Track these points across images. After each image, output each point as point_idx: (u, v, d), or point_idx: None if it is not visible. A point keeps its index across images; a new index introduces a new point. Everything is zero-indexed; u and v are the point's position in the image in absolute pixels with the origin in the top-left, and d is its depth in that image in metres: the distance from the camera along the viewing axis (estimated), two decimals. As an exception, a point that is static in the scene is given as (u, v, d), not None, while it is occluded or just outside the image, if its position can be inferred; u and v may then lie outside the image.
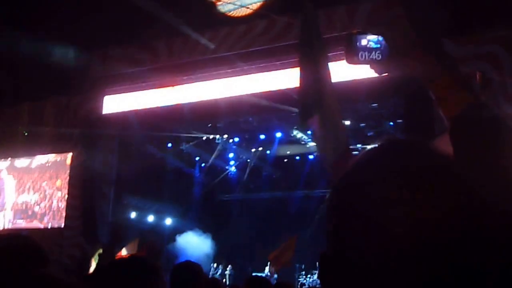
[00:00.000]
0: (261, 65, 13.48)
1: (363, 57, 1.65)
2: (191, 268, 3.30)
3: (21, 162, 16.89)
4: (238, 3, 13.55)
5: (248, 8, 13.49)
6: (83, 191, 15.36)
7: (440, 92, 1.46)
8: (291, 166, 18.35)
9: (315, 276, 16.11)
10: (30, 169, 16.74)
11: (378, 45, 1.62)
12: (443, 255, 0.71)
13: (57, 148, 16.14)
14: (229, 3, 13.59)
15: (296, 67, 12.99)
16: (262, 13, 13.05)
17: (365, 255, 0.74)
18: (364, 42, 1.64)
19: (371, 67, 1.64)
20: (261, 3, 13.35)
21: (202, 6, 13.68)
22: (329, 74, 5.15)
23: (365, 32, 1.63)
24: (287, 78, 13.26)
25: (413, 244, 0.71)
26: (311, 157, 17.55)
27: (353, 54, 1.64)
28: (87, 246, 14.36)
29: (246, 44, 13.50)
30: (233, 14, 13.72)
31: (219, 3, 13.81)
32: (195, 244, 16.95)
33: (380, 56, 1.62)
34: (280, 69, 13.27)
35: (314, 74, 5.09)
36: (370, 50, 1.62)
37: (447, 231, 0.71)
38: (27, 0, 14.37)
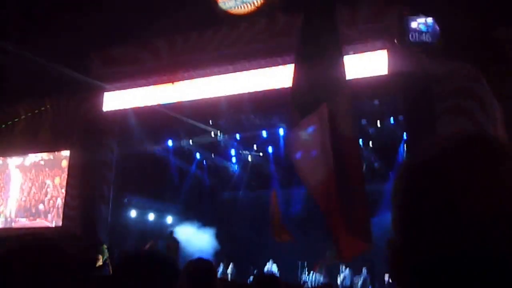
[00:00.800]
0: (262, 62, 13.44)
1: (414, 37, 1.63)
2: (206, 266, 3.27)
3: (29, 159, 16.85)
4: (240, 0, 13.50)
5: (249, 5, 13.43)
6: (82, 190, 15.31)
7: None
8: (293, 163, 18.27)
9: (317, 274, 16.08)
10: (34, 165, 16.71)
11: (428, 29, 1.61)
12: None
13: (56, 146, 16.07)
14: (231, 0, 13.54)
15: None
16: (263, 10, 12.99)
17: (443, 242, 0.72)
18: (414, 24, 1.65)
19: (422, 50, 1.61)
20: (262, 0, 13.30)
21: (204, 4, 13.62)
22: (341, 74, 5.06)
23: (416, 14, 1.60)
24: (288, 75, 13.23)
25: (492, 234, 0.70)
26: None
27: (404, 34, 1.62)
28: (86, 246, 14.36)
29: (247, 41, 13.45)
30: (234, 12, 13.66)
31: (220, 0, 13.74)
32: (194, 238, 16.96)
33: (431, 39, 1.60)
34: (281, 66, 13.23)
35: (309, 74, 5.03)
36: (420, 32, 1.60)
37: None
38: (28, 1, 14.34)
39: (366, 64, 12.09)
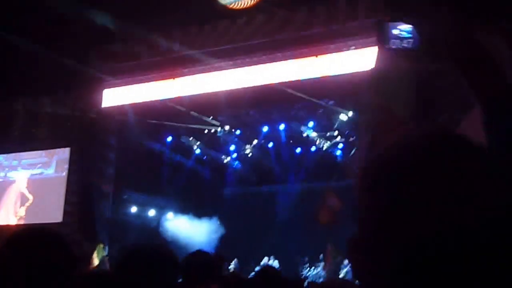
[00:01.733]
0: (262, 57, 13.39)
1: (395, 44, 1.61)
2: (204, 258, 3.24)
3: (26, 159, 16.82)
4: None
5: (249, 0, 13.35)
6: (81, 187, 15.28)
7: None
8: (293, 159, 18.25)
9: (319, 269, 16.05)
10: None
11: (410, 35, 1.57)
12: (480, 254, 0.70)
13: (55, 142, 16.03)
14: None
15: (296, 58, 12.99)
16: (261, 5, 12.91)
17: (395, 242, 0.73)
18: (395, 32, 1.62)
19: (400, 53, 1.62)
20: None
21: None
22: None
23: (396, 20, 1.59)
24: (287, 71, 13.20)
25: (450, 239, 0.71)
26: (313, 149, 17.46)
27: (384, 41, 1.62)
28: (85, 243, 14.31)
29: (246, 36, 13.39)
30: (234, 7, 13.57)
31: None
32: (194, 234, 16.97)
33: (410, 44, 1.59)
34: (280, 61, 13.19)
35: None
36: (401, 38, 1.58)
37: (484, 228, 0.71)
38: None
39: (368, 58, 12.03)
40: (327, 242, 15.00)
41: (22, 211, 16.23)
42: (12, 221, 16.21)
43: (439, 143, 0.78)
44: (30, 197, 16.29)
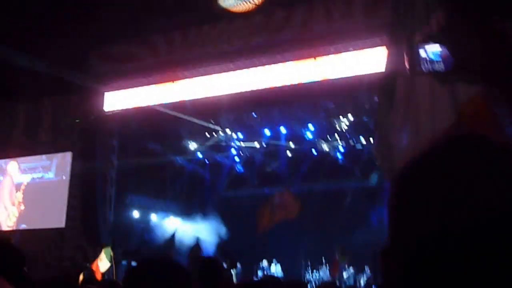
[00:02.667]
0: (261, 59, 13.39)
1: (426, 67, 1.55)
2: (215, 264, 3.31)
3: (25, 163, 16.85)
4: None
5: (249, 2, 13.33)
6: (84, 191, 15.30)
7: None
8: (294, 161, 18.23)
9: (321, 272, 16.02)
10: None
11: (439, 58, 1.53)
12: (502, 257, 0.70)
13: (57, 146, 16.07)
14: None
15: (295, 60, 12.97)
16: (261, 7, 12.90)
17: (431, 242, 0.73)
18: (423, 53, 1.56)
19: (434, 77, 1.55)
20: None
21: (202, 1, 13.54)
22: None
23: (426, 41, 1.53)
24: (287, 73, 13.18)
25: (474, 243, 0.71)
26: (314, 151, 17.44)
27: (416, 64, 1.55)
28: (88, 247, 14.34)
29: (246, 38, 13.39)
30: (234, 9, 13.57)
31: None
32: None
33: (443, 67, 1.52)
34: (279, 63, 13.19)
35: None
36: (432, 61, 1.52)
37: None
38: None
39: (367, 60, 12.00)
40: (335, 246, 15.00)
41: (23, 216, 16.27)
42: (11, 225, 16.25)
43: (458, 145, 0.79)
44: (31, 201, 16.35)
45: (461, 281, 0.71)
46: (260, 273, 16.50)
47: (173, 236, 15.17)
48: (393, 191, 0.81)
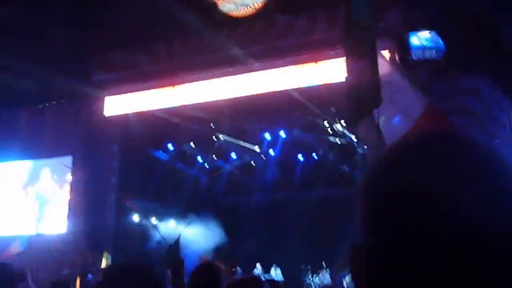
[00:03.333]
0: (262, 64, 13.47)
1: (418, 55, 1.51)
2: (212, 271, 3.19)
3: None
4: (239, 2, 13.49)
5: (249, 7, 13.42)
6: (84, 196, 15.32)
7: None
8: (295, 166, 18.30)
9: (320, 276, 16.05)
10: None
11: (432, 44, 1.48)
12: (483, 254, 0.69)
13: (58, 151, 16.09)
14: (230, 2, 13.53)
15: (296, 64, 13.04)
16: (263, 12, 12.99)
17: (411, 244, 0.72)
18: (415, 41, 1.52)
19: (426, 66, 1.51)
20: (262, 2, 13.29)
21: (203, 7, 13.62)
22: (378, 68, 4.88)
23: (416, 29, 1.48)
24: (288, 78, 13.26)
25: (461, 238, 0.70)
26: (315, 156, 17.51)
27: (405, 53, 1.52)
28: (89, 252, 14.34)
29: (247, 44, 13.46)
30: (234, 14, 13.65)
31: (220, 3, 13.73)
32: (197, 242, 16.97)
33: (436, 55, 1.48)
34: (281, 68, 13.26)
35: (366, 68, 4.85)
36: (423, 48, 1.48)
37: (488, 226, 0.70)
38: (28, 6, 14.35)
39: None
40: (338, 252, 15.04)
41: (25, 222, 16.27)
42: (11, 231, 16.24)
43: (433, 143, 0.77)
44: (33, 208, 16.35)
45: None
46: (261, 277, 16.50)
47: (177, 241, 15.07)
48: (366, 195, 0.79)
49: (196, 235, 17.37)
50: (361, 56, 4.92)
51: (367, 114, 4.81)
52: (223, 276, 3.15)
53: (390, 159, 0.79)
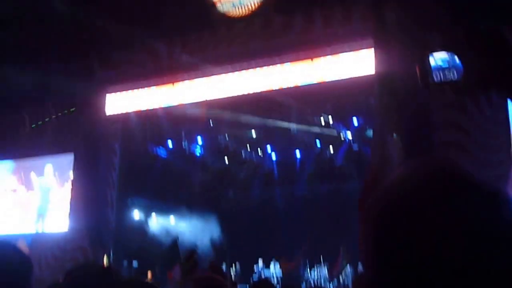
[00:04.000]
0: (260, 62, 13.60)
1: (438, 76, 1.50)
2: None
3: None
4: (237, 1, 13.62)
5: (247, 6, 13.55)
6: (86, 193, 15.47)
7: None
8: (294, 163, 18.43)
9: (320, 272, 16.17)
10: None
11: (447, 65, 1.47)
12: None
13: (60, 149, 16.27)
14: (228, 2, 13.66)
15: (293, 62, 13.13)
16: (260, 11, 13.11)
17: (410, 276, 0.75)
18: (432, 61, 1.49)
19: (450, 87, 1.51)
20: (259, 1, 13.41)
21: (201, 6, 13.74)
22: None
23: (435, 50, 1.50)
24: (286, 76, 13.37)
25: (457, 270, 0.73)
26: (314, 152, 17.65)
27: (426, 75, 1.50)
28: (90, 249, 14.50)
29: (244, 43, 13.60)
30: (232, 14, 13.78)
31: (218, 2, 13.86)
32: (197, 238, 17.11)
33: (456, 75, 1.47)
34: (278, 65, 13.39)
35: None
36: (442, 69, 1.47)
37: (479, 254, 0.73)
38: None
39: (362, 62, 12.19)
40: (340, 246, 15.18)
41: (26, 220, 16.44)
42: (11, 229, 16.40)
43: (441, 182, 0.79)
44: (34, 205, 16.52)
45: None
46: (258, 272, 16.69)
47: (176, 241, 15.17)
48: (372, 222, 0.82)
49: (195, 231, 17.55)
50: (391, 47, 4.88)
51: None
52: None
53: (393, 195, 0.81)
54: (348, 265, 15.37)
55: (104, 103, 15.57)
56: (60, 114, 16.60)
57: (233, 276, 16.68)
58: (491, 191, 0.78)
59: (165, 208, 18.07)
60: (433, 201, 0.76)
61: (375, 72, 10.75)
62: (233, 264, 17.33)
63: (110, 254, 14.32)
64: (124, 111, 15.42)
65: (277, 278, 16.21)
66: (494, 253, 0.73)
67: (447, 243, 0.73)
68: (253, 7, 13.33)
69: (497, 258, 0.73)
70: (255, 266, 16.84)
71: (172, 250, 16.65)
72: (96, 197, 15.45)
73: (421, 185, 0.79)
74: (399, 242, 0.76)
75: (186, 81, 14.66)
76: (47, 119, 16.69)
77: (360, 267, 15.15)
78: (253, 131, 17.10)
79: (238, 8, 13.56)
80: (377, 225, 0.81)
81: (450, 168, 0.81)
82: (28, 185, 16.81)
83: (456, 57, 1.48)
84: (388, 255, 0.78)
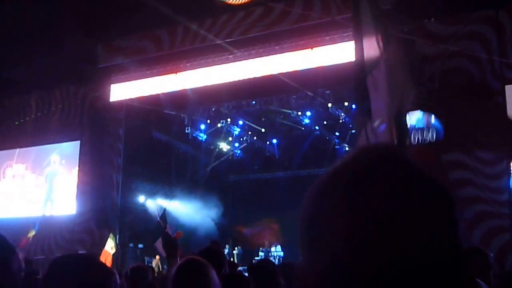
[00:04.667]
0: (260, 49, 13.86)
1: (416, 139, 1.47)
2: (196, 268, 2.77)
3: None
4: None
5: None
6: (92, 177, 15.82)
7: None
8: (294, 146, 18.70)
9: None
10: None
11: (423, 126, 1.41)
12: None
13: (66, 136, 16.66)
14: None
15: (292, 50, 13.37)
16: (260, 1, 13.31)
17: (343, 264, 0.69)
18: (408, 121, 1.35)
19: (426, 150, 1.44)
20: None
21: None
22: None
23: (413, 109, 1.41)
24: (285, 62, 13.63)
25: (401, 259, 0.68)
26: (312, 136, 17.94)
27: (404, 136, 1.35)
28: (97, 231, 14.88)
29: (244, 30, 13.85)
30: (233, 2, 13.96)
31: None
32: (200, 221, 17.39)
33: (435, 137, 1.44)
34: (277, 53, 13.67)
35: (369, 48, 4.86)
36: (420, 130, 1.43)
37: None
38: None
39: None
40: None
41: (36, 204, 16.87)
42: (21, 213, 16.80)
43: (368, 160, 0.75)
44: (42, 189, 16.92)
45: None
46: (261, 254, 17.01)
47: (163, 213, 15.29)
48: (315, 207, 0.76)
49: (198, 213, 17.84)
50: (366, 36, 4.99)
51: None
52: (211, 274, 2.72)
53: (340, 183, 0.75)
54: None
55: (109, 90, 15.89)
56: (66, 102, 16.91)
57: (235, 258, 17.04)
58: (426, 176, 0.74)
59: (168, 192, 18.34)
60: (355, 177, 0.73)
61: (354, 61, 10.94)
62: (235, 247, 17.70)
63: (116, 236, 14.67)
64: (128, 98, 15.71)
65: (279, 258, 16.55)
66: (413, 233, 0.68)
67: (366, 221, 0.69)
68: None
69: (415, 237, 0.68)
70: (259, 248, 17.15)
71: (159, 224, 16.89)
72: (102, 181, 15.84)
73: (348, 162, 0.76)
74: (320, 221, 0.73)
75: (188, 69, 14.90)
76: (53, 108, 17.00)
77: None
78: (253, 115, 17.38)
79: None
80: (304, 205, 0.79)
81: (386, 150, 0.78)
82: (36, 171, 17.21)
83: (433, 116, 1.49)
84: (311, 235, 0.75)
